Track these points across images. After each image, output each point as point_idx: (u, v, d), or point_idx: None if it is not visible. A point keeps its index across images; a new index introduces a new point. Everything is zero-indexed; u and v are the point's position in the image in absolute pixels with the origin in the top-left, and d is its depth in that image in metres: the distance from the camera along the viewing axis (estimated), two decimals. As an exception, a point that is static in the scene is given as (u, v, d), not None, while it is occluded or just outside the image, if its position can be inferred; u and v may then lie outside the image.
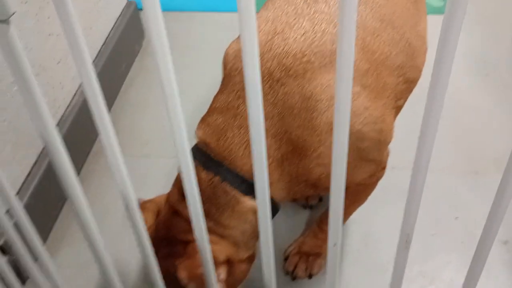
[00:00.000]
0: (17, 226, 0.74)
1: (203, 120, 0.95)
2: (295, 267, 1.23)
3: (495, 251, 1.25)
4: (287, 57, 0.86)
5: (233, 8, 2.13)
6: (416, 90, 1.08)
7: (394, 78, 0.97)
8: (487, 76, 1.72)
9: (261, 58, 0.88)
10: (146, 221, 0.88)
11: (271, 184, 0.91)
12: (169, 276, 0.91)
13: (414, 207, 0.60)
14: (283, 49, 0.86)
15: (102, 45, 1.64)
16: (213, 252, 0.88)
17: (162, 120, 1.64)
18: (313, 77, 0.85)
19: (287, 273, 1.24)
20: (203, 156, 0.91)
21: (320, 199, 1.38)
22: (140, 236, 0.71)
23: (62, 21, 0.51)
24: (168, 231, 0.92)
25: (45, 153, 1.32)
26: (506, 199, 0.59)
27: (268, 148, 0.87)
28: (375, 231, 1.32)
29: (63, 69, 1.40)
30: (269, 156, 0.88)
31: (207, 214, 0.90)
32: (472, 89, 1.69)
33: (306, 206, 1.37)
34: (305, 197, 1.38)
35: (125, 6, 1.80)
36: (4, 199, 0.71)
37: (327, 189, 0.89)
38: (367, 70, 0.91)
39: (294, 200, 1.39)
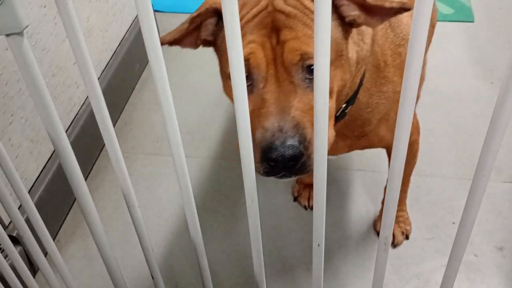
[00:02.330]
0: (28, 222, 0.80)
1: None
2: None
3: (490, 257, 1.29)
4: None
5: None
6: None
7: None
8: (492, 84, 1.74)
9: None
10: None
11: None
12: None
13: (391, 213, 0.65)
14: None
15: (117, 46, 1.71)
16: None
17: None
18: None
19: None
20: None
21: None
22: (142, 238, 0.77)
23: (70, 40, 0.57)
24: None
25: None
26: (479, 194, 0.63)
27: None
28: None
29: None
30: None
31: None
32: (477, 97, 1.71)
33: (307, 207, 1.42)
34: (307, 198, 1.43)
35: (141, 8, 1.86)
36: (17, 196, 0.77)
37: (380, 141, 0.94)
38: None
39: (296, 200, 1.44)
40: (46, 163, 1.34)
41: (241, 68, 0.52)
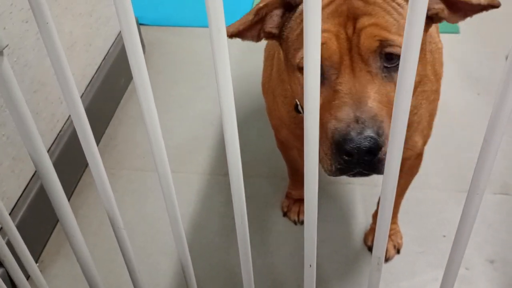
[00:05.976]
0: (10, 245, 0.77)
1: None
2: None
3: (482, 270, 1.28)
4: None
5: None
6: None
7: None
8: (478, 95, 1.75)
9: None
10: None
11: None
12: None
13: (383, 234, 0.63)
14: None
15: (102, 61, 1.68)
16: None
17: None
18: None
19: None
20: None
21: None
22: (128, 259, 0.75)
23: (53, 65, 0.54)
24: None
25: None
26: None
27: None
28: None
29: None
30: None
31: None
32: (464, 108, 1.71)
33: (297, 222, 1.40)
34: (297, 213, 1.41)
35: (125, 22, 1.84)
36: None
37: None
38: None
39: (285, 215, 1.43)
40: (29, 181, 1.30)
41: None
